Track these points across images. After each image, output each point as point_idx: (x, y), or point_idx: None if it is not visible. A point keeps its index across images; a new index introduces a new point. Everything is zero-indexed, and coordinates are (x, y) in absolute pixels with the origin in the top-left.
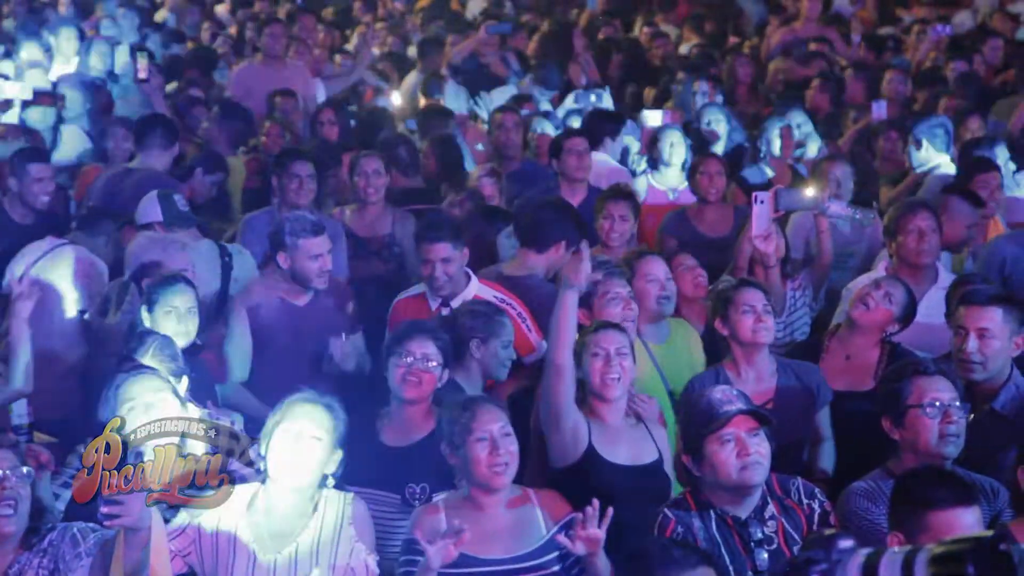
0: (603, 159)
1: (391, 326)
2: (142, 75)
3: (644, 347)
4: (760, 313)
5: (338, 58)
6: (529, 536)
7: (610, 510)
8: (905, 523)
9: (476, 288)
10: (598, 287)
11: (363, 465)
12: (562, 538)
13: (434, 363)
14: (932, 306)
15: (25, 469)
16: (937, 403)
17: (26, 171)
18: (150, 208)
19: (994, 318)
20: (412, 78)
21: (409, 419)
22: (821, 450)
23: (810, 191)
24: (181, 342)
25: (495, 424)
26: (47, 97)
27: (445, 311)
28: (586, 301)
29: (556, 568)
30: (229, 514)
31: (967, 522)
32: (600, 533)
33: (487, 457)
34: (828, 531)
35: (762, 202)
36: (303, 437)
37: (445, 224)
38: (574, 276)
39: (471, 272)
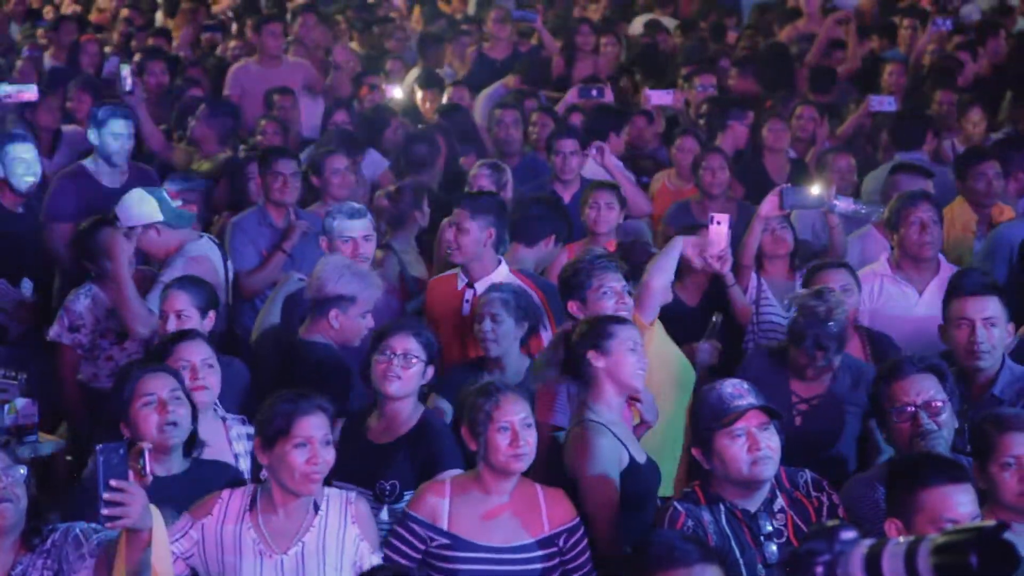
0: None
1: (425, 305)
2: (127, 87)
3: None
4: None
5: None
6: (527, 530)
7: None
8: (900, 507)
9: (504, 275)
10: (592, 280)
11: (346, 460)
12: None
13: (416, 360)
14: (935, 298)
15: (22, 469)
16: (908, 407)
17: (7, 153)
18: (145, 207)
19: (996, 306)
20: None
21: (393, 416)
22: None
23: (816, 189)
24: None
25: (518, 415)
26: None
27: (469, 292)
28: (579, 294)
29: (541, 566)
30: (231, 515)
31: (960, 500)
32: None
33: (507, 447)
34: (831, 522)
35: (719, 223)
36: (320, 444)
37: (480, 198)
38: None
39: (503, 259)
